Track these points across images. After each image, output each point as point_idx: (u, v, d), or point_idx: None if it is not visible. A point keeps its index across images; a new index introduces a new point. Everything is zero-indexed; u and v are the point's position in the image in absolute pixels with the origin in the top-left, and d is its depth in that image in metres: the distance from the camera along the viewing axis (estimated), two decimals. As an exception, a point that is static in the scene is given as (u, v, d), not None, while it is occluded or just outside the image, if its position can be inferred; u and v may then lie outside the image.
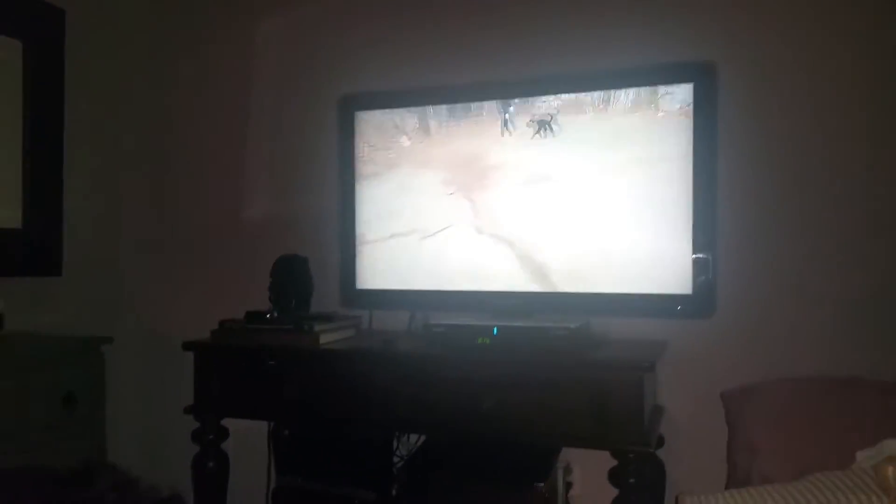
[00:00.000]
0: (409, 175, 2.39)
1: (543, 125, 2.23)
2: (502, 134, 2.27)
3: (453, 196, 2.34)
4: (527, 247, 2.25)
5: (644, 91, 2.11)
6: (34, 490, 0.93)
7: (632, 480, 1.78)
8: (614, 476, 1.82)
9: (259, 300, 2.39)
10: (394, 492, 2.30)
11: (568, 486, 2.37)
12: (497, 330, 1.95)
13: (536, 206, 2.24)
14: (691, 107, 2.07)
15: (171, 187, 2.96)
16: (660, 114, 2.10)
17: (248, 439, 2.50)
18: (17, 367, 2.03)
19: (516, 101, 2.25)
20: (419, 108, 2.37)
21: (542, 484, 2.07)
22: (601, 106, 2.16)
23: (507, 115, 2.27)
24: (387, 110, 2.43)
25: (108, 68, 2.89)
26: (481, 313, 2.18)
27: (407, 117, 2.40)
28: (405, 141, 2.40)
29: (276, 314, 2.26)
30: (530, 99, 2.24)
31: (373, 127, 2.45)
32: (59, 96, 2.67)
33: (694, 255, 2.07)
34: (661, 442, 2.15)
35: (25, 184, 2.58)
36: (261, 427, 2.48)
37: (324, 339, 2.13)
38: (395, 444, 2.42)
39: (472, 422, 1.91)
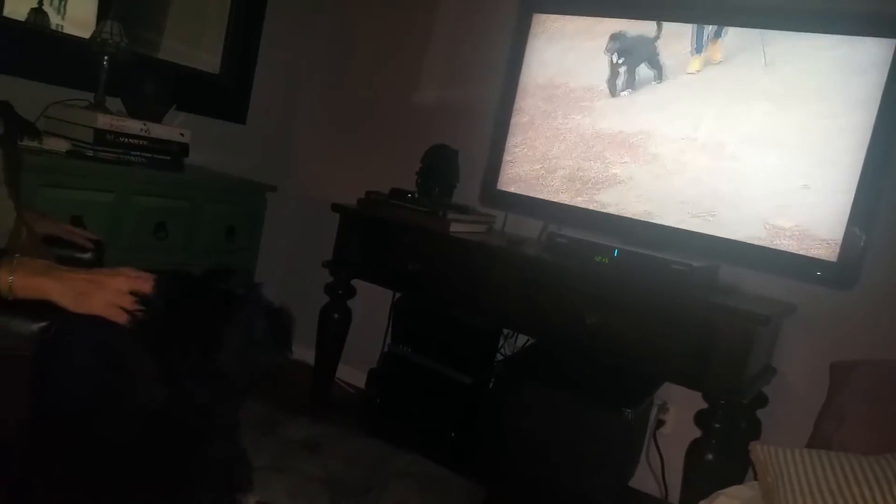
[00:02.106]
0: (577, 88, 2.40)
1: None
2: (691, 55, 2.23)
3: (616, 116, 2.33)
4: (677, 179, 2.21)
5: (838, 38, 1.95)
6: (177, 281, 1.12)
7: (717, 425, 1.79)
8: (701, 417, 1.84)
9: (408, 181, 2.54)
10: (490, 384, 2.45)
11: (659, 423, 2.41)
12: (618, 252, 1.97)
13: (699, 136, 2.19)
14: (889, 64, 1.88)
15: (350, 61, 3.14)
16: (850, 65, 1.94)
17: (374, 302, 2.73)
18: (192, 193, 2.33)
19: (712, 27, 2.19)
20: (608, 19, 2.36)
21: (629, 410, 2.12)
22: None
23: (702, 39, 2.22)
24: (569, 17, 2.42)
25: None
26: (612, 236, 2.19)
27: (588, 24, 2.39)
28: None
29: (416, 196, 2.40)
30: (727, 28, 2.15)
31: (550, 32, 2.45)
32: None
33: (849, 224, 1.94)
34: (763, 401, 2.11)
35: (228, 36, 2.86)
36: (386, 295, 2.69)
37: (454, 227, 2.25)
38: (501, 340, 2.55)
39: (574, 333, 1.98)
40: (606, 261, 1.98)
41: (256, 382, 1.15)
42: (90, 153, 2.12)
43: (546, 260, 2.04)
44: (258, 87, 2.99)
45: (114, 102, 2.34)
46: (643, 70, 2.32)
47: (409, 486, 2.12)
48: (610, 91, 2.37)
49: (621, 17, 2.35)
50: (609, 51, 2.38)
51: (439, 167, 2.57)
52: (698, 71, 2.21)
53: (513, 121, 2.51)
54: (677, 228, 2.19)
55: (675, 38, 2.26)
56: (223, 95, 2.88)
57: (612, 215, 2.30)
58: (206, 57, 2.82)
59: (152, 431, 1.06)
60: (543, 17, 2.47)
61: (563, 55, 2.45)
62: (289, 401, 2.61)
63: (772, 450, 1.32)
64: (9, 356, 1.17)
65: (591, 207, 2.35)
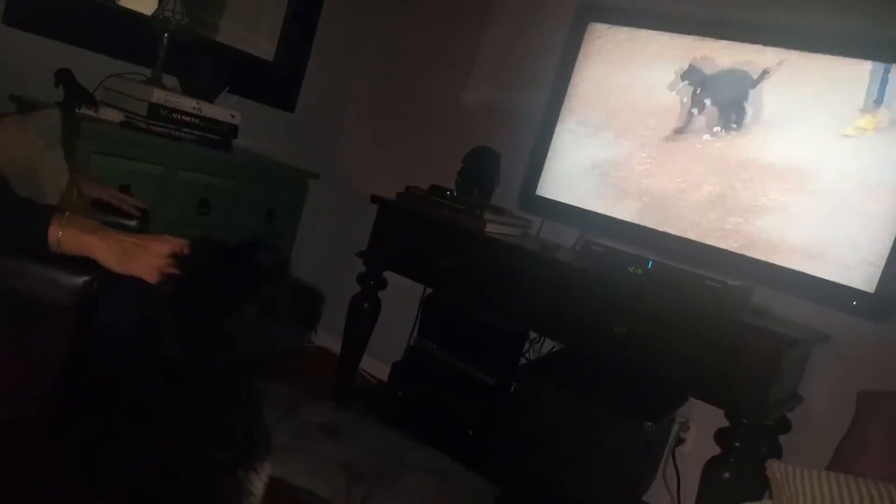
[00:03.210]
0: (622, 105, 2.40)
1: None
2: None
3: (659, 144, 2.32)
4: (718, 199, 2.19)
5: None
6: (212, 248, 1.16)
7: (737, 444, 1.78)
8: (721, 435, 1.82)
9: (448, 181, 2.57)
10: (512, 386, 2.45)
11: (679, 440, 2.38)
12: (652, 263, 1.97)
13: (742, 159, 2.17)
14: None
15: (402, 58, 3.18)
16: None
17: (403, 296, 2.76)
18: (237, 173, 2.39)
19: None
20: (673, 35, 2.30)
21: (650, 424, 2.11)
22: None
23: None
24: (627, 28, 2.40)
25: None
26: (648, 250, 2.19)
27: (651, 40, 2.35)
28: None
29: (455, 194, 2.42)
30: (799, 52, 2.09)
31: (606, 43, 2.45)
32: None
33: (891, 254, 1.91)
34: (786, 427, 2.08)
35: (285, 24, 2.92)
36: (416, 289, 2.72)
37: (490, 227, 2.26)
38: (527, 345, 2.55)
39: (602, 341, 1.98)
40: (640, 271, 1.98)
41: (272, 355, 1.18)
42: (143, 125, 2.19)
43: (578, 266, 2.05)
44: (309, 77, 3.05)
45: (170, 80, 2.41)
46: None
47: (424, 478, 2.14)
48: (678, 129, 2.29)
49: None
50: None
51: (480, 168, 2.59)
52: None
53: (557, 128, 2.52)
54: (714, 247, 2.17)
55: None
56: (275, 82, 2.95)
57: (649, 228, 2.28)
58: (262, 43, 2.89)
59: (172, 391, 1.10)
60: (600, 27, 2.46)
61: (619, 69, 2.43)
62: (313, 385, 2.66)
63: (789, 468, 1.31)
64: (53, 305, 1.22)
65: (626, 219, 2.35)
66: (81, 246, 1.17)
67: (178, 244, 1.16)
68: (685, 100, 2.28)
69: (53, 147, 1.53)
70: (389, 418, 2.50)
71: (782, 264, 2.05)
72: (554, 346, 2.54)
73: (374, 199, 2.43)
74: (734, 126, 2.18)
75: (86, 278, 1.24)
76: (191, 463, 1.12)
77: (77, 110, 2.10)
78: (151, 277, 1.15)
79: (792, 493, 1.30)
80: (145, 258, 1.16)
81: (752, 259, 2.10)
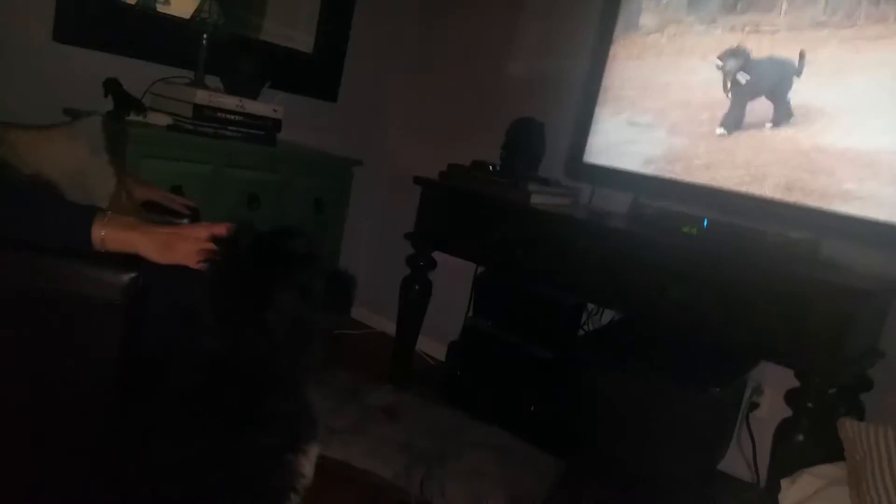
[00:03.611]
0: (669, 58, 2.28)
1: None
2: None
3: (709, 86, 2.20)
4: (782, 152, 2.04)
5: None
6: (246, 233, 1.18)
7: (809, 405, 1.69)
8: (792, 396, 1.74)
9: (494, 156, 2.53)
10: (572, 359, 2.41)
11: (753, 405, 2.30)
12: (708, 222, 1.89)
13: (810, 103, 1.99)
14: None
15: (439, 36, 3.16)
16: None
17: (457, 275, 2.75)
18: (283, 166, 2.42)
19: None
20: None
21: (717, 390, 2.04)
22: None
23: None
24: None
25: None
26: (706, 208, 2.09)
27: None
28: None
29: (498, 167, 2.39)
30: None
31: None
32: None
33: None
34: (867, 384, 1.97)
35: (322, 15, 2.94)
36: (469, 268, 2.70)
37: (535, 199, 2.22)
38: (584, 316, 2.50)
39: (658, 307, 1.91)
40: (695, 231, 1.90)
41: (311, 341, 1.18)
42: (189, 127, 2.24)
43: (628, 230, 1.98)
44: (350, 66, 3.06)
45: (213, 80, 2.46)
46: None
47: (485, 456, 2.13)
48: (724, 124, 2.12)
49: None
50: (726, 68, 2.10)
51: (524, 140, 2.54)
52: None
53: (601, 92, 2.43)
54: (778, 201, 2.00)
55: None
56: (316, 74, 2.97)
57: (706, 187, 2.15)
58: (301, 37, 2.91)
59: (214, 380, 1.12)
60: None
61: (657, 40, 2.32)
62: (372, 370, 2.68)
63: (862, 426, 1.23)
64: (103, 304, 1.26)
65: (681, 178, 2.24)
66: (124, 242, 1.21)
67: (216, 228, 1.18)
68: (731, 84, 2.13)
69: (99, 153, 1.58)
70: (449, 398, 2.50)
71: (856, 213, 1.91)
72: (614, 316, 2.49)
73: (417, 180, 2.42)
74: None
75: (132, 274, 1.26)
76: (239, 449, 1.14)
77: (126, 117, 2.17)
78: (193, 262, 1.17)
79: (865, 452, 1.23)
80: (186, 245, 1.18)
81: (823, 211, 1.93)
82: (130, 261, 1.23)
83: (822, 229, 1.97)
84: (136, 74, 2.32)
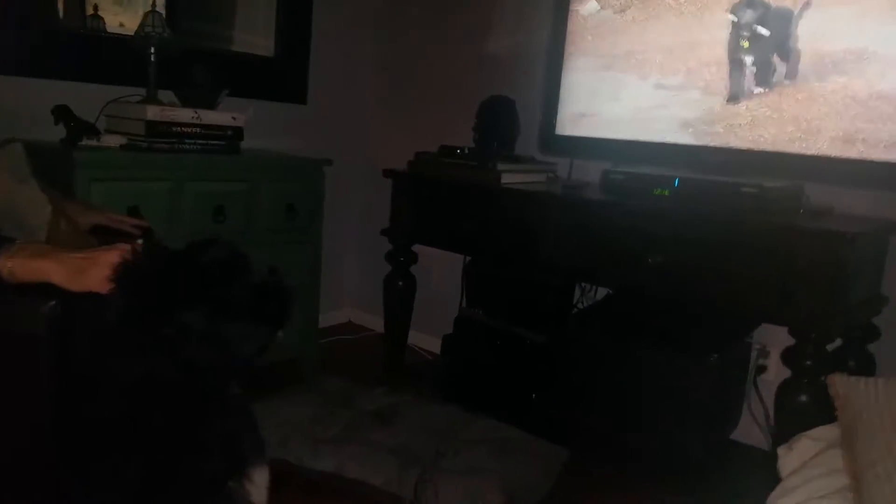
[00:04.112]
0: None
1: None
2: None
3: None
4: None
5: None
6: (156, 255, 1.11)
7: (808, 363, 1.57)
8: (789, 355, 1.62)
9: (468, 140, 2.43)
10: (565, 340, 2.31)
11: (760, 369, 2.18)
12: (679, 181, 1.77)
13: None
14: None
15: (404, 27, 3.07)
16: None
17: (449, 267, 2.66)
18: (248, 174, 2.35)
19: None
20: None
21: (715, 356, 1.93)
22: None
23: None
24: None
25: None
26: (684, 167, 1.96)
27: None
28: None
29: (466, 151, 2.29)
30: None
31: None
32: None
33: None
34: (874, 334, 1.84)
35: (279, 16, 2.86)
36: (458, 258, 2.61)
37: (506, 178, 2.12)
38: (577, 295, 2.40)
39: (639, 277, 1.81)
40: (667, 192, 1.79)
41: (242, 360, 1.10)
42: (144, 145, 2.18)
43: (598, 200, 1.88)
44: (316, 64, 2.98)
45: (169, 96, 2.39)
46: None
47: (483, 452, 2.03)
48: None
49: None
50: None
51: (495, 119, 2.44)
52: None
53: (566, 60, 2.32)
54: (755, 151, 1.90)
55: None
56: (281, 77, 2.89)
57: (685, 145, 2.03)
58: (260, 41, 2.84)
59: (137, 407, 1.05)
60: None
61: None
62: (365, 372, 2.61)
63: (852, 380, 1.12)
64: (24, 336, 1.20)
65: (658, 140, 2.12)
66: (34, 271, 1.14)
67: (126, 251, 1.11)
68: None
69: (26, 180, 1.52)
70: (445, 394, 2.41)
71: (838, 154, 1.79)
72: (609, 293, 2.37)
73: (386, 173, 2.34)
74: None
75: (51, 303, 1.20)
76: (178, 479, 1.07)
77: (79, 143, 2.12)
78: (104, 288, 1.10)
79: (857, 410, 1.12)
80: (96, 271, 1.11)
81: (806, 156, 1.81)
82: (47, 289, 1.16)
83: (813, 174, 1.84)
84: (89, 98, 2.26)
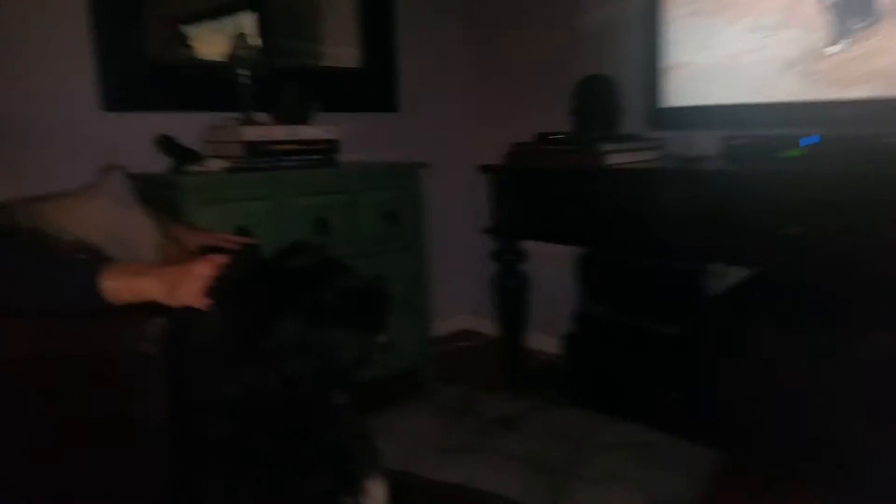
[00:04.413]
0: None
1: None
2: None
3: None
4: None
5: None
6: (245, 262, 1.07)
7: None
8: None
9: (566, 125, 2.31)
10: (702, 330, 2.11)
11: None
12: (810, 141, 1.57)
13: None
14: None
15: (490, 22, 2.98)
16: None
17: (561, 262, 2.53)
18: (346, 185, 2.33)
19: None
20: None
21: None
22: None
23: None
24: None
25: None
26: (813, 127, 1.74)
27: None
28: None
29: (563, 135, 2.16)
30: None
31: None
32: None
33: None
34: None
35: (363, 26, 2.85)
36: (566, 252, 2.47)
37: (613, 159, 1.98)
38: (706, 279, 2.19)
39: (774, 252, 1.61)
40: (797, 154, 1.58)
41: (342, 368, 1.04)
42: (244, 165, 2.20)
43: (718, 171, 1.70)
44: (405, 70, 2.94)
45: (263, 116, 2.42)
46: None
47: (621, 458, 1.89)
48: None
49: None
50: None
51: (592, 100, 2.29)
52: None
53: (665, 27, 2.14)
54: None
55: None
56: (371, 87, 2.88)
57: (806, 103, 1.81)
58: (348, 53, 2.83)
59: (241, 427, 1.00)
60: None
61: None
62: (484, 379, 2.52)
63: None
64: (138, 355, 1.19)
65: (778, 100, 1.89)
66: (134, 290, 1.12)
67: (218, 262, 1.08)
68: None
69: (131, 207, 1.55)
70: (572, 398, 2.27)
71: None
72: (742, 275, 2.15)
73: (483, 168, 2.24)
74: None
75: (160, 321, 1.19)
76: (281, 498, 1.01)
77: (184, 169, 2.17)
78: (201, 304, 1.07)
79: None
80: (189, 283, 1.09)
81: None
82: (152, 308, 1.15)
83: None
84: (191, 126, 2.32)
